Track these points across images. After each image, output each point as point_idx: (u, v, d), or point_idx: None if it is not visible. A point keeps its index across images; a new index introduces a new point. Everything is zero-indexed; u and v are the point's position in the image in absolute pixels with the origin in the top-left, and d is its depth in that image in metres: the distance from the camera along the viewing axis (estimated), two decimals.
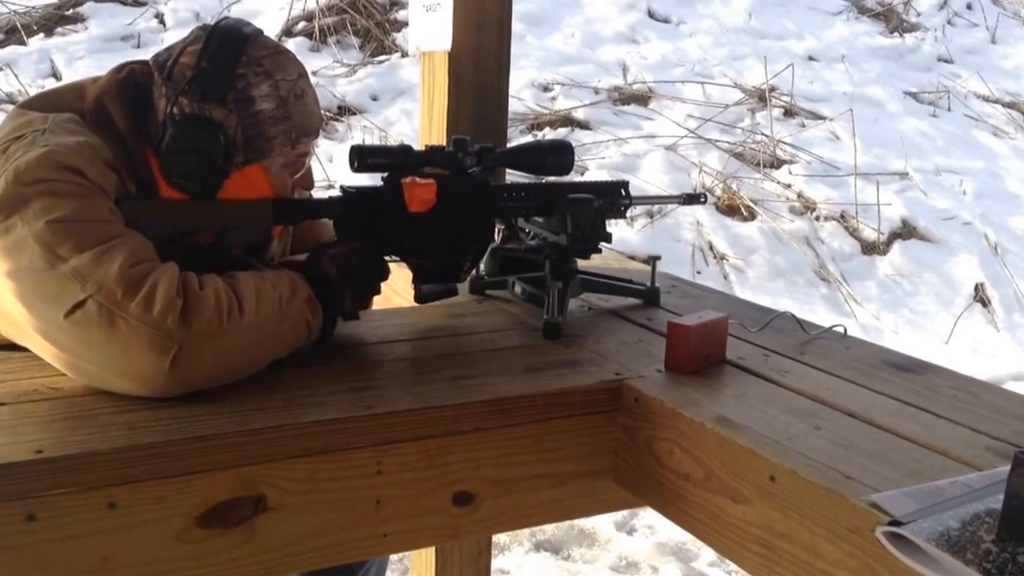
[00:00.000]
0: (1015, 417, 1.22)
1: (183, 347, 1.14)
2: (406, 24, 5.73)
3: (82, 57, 5.67)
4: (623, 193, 1.67)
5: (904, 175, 6.03)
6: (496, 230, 1.70)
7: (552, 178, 1.60)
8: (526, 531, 2.95)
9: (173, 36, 5.52)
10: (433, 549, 2.04)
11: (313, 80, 1.46)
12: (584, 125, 5.90)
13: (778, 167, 5.89)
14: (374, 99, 5.83)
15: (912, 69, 7.53)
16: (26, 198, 1.18)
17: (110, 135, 1.32)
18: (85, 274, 1.14)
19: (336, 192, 1.47)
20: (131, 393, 1.16)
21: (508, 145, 1.81)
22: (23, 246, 1.16)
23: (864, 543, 0.94)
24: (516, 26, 2.25)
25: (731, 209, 5.47)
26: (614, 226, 2.79)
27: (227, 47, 1.34)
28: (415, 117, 5.26)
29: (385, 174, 1.45)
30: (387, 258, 1.47)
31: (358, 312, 1.44)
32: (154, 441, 1.06)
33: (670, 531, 3.00)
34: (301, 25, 6.33)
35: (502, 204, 1.56)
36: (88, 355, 1.15)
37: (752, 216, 5.43)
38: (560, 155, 1.53)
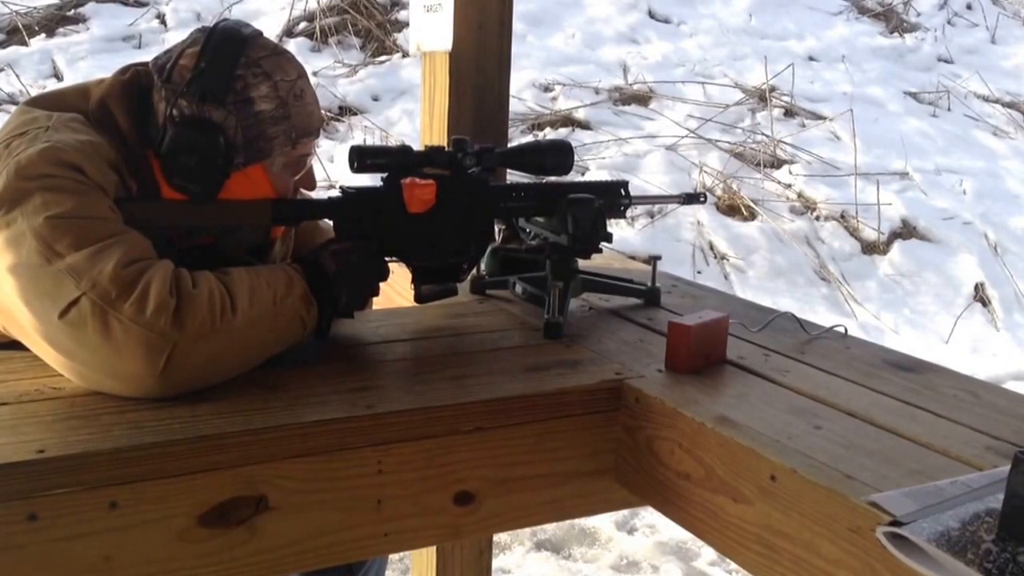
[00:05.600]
0: (1015, 417, 1.22)
1: (176, 348, 1.14)
2: (407, 24, 5.73)
3: (83, 57, 5.67)
4: (623, 193, 1.67)
5: (904, 175, 6.03)
6: (497, 230, 1.70)
7: (552, 178, 1.60)
8: (527, 530, 2.96)
9: (174, 36, 5.53)
10: (434, 549, 2.04)
11: (314, 80, 1.46)
12: (585, 125, 5.90)
13: (778, 167, 5.89)
14: (375, 99, 5.83)
15: (912, 69, 7.53)
16: (27, 192, 1.18)
17: (113, 136, 1.32)
18: (80, 271, 1.14)
19: (336, 193, 1.47)
20: (124, 394, 1.16)
21: (508, 145, 1.81)
22: (21, 240, 1.16)
23: (864, 543, 0.94)
24: (517, 26, 2.25)
25: (731, 209, 5.47)
26: (615, 226, 2.80)
27: (225, 49, 1.34)
28: (416, 117, 5.27)
29: (385, 174, 1.45)
30: (387, 258, 1.47)
31: (352, 310, 1.44)
32: (156, 441, 1.06)
33: (671, 530, 3.01)
34: (302, 25, 6.34)
35: (502, 204, 1.56)
36: (82, 355, 1.15)
37: (752, 216, 5.43)
38: (560, 155, 1.53)
